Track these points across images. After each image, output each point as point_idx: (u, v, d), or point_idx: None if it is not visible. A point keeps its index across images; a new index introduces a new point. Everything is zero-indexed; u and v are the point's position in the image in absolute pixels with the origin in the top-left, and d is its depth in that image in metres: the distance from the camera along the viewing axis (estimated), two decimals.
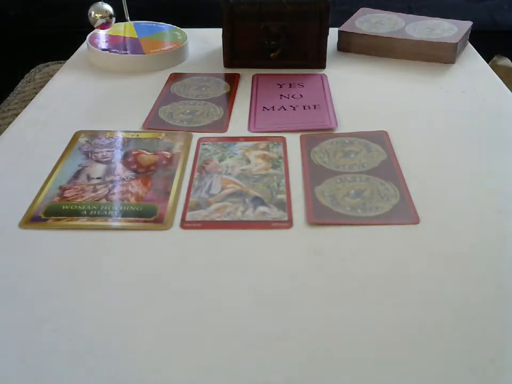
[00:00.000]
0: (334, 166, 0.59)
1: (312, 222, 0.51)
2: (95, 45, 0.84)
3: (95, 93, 0.76)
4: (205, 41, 0.91)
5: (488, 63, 0.84)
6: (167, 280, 0.45)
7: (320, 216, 0.52)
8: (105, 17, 0.83)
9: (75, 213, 0.52)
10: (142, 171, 0.59)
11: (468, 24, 0.87)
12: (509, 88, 0.75)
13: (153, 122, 0.68)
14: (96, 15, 0.83)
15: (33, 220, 0.52)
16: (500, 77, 0.78)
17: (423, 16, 0.91)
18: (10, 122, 0.71)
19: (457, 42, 0.81)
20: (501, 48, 1.46)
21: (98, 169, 0.59)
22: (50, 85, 0.79)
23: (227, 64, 0.82)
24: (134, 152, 0.62)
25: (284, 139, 0.64)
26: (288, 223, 0.51)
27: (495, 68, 0.99)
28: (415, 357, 0.39)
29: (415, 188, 0.55)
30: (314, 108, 0.71)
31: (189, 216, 0.52)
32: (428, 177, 0.57)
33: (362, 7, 0.96)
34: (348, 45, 0.86)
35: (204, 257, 0.48)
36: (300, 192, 0.55)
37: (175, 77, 0.80)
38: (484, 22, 1.62)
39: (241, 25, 0.79)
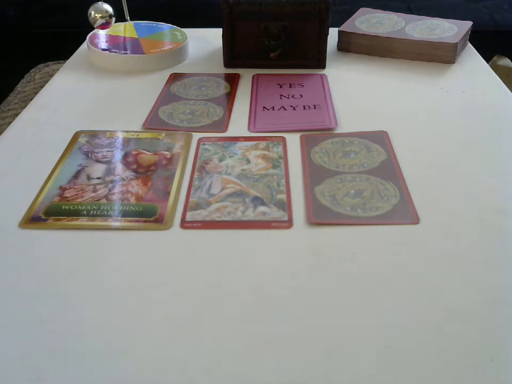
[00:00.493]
0: (334, 166, 0.59)
1: (312, 222, 0.51)
2: (95, 45, 0.84)
3: (95, 93, 0.76)
4: (205, 41, 0.91)
5: (488, 63, 0.84)
6: (166, 280, 0.45)
7: (320, 216, 0.52)
8: (105, 17, 0.83)
9: (75, 213, 0.52)
10: (142, 171, 0.59)
11: (468, 24, 0.87)
12: (509, 88, 0.75)
13: (153, 122, 0.68)
14: (96, 15, 0.83)
15: (33, 219, 0.52)
16: (499, 77, 0.78)
17: (423, 16, 0.91)
18: (10, 122, 0.71)
19: (457, 42, 0.81)
20: (501, 48, 1.46)
21: (98, 169, 0.59)
22: (50, 85, 0.79)
23: (227, 64, 0.82)
24: (134, 152, 0.62)
25: (284, 139, 0.64)
26: (288, 223, 0.51)
27: (495, 68, 0.99)
28: (415, 357, 0.39)
29: (415, 188, 0.55)
30: (314, 108, 0.71)
31: (189, 216, 0.52)
32: (428, 177, 0.57)
33: (362, 7, 0.96)
34: (347, 45, 0.86)
35: (203, 257, 0.48)
36: (300, 192, 0.55)
37: (175, 77, 0.80)
38: (483, 22, 1.62)
39: (241, 25, 0.79)
